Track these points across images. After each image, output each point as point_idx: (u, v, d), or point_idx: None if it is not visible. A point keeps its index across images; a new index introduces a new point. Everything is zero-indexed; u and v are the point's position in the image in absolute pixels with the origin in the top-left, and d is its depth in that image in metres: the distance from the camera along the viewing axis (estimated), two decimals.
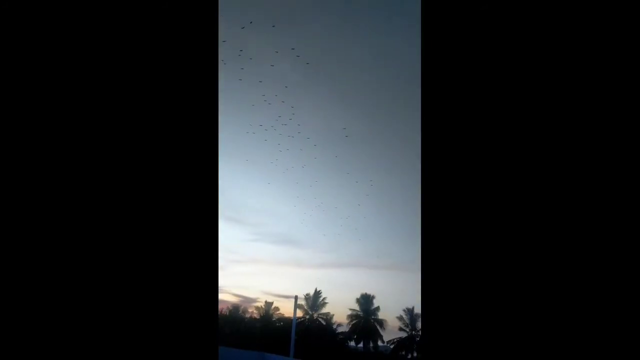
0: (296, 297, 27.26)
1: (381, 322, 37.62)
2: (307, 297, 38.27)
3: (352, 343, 38.15)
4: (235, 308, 39.74)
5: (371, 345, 37.29)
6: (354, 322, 37.80)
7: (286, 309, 42.36)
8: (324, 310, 38.23)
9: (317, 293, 38.36)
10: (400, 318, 37.21)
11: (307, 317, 37.86)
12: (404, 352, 36.59)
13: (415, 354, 36.06)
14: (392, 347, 37.17)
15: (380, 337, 37.41)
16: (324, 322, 37.95)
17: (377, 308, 38.01)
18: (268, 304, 39.68)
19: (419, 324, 36.58)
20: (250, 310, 41.36)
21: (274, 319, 38.76)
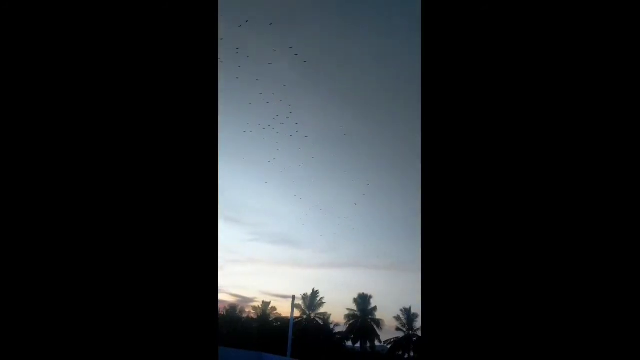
0: (293, 297, 27.30)
1: (378, 322, 37.64)
2: (304, 297, 38.25)
3: (350, 343, 38.15)
4: (232, 308, 39.68)
5: (368, 345, 37.28)
6: (351, 322, 37.80)
7: (283, 309, 42.44)
8: (322, 310, 38.23)
9: (315, 293, 38.34)
10: (397, 318, 37.26)
11: (305, 317, 37.83)
12: (400, 352, 36.61)
13: (412, 354, 36.09)
14: (389, 347, 37.17)
15: (378, 337, 37.43)
16: (321, 322, 37.92)
17: (375, 308, 38.05)
18: (265, 304, 39.65)
19: (416, 324, 36.64)
20: (247, 310, 41.30)
21: (271, 319, 38.71)
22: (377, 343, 37.51)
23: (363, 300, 38.15)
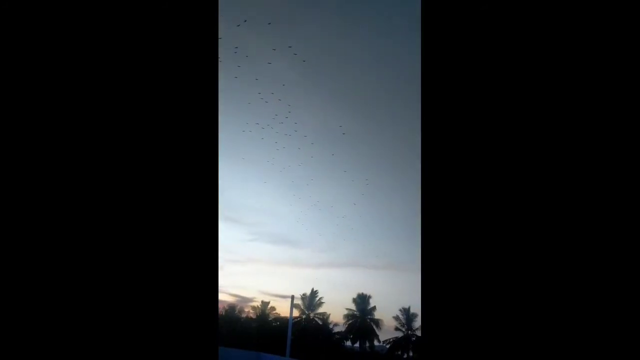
0: (292, 297, 27.29)
1: (377, 322, 37.66)
2: (303, 296, 38.26)
3: (349, 343, 38.16)
4: (231, 308, 39.67)
5: (367, 345, 37.30)
6: (350, 321, 37.82)
7: (283, 309, 42.41)
8: (321, 310, 38.24)
9: (314, 293, 38.35)
10: (396, 318, 37.28)
11: (304, 316, 37.83)
12: (399, 352, 36.64)
13: (411, 354, 36.11)
14: (388, 346, 37.20)
15: (377, 336, 37.46)
16: (320, 322, 37.92)
17: (374, 308, 38.07)
18: (264, 304, 39.66)
19: (414, 324, 36.69)
20: (246, 310, 41.27)
21: (270, 319, 38.71)
22: (376, 343, 37.55)
23: (362, 300, 38.17)
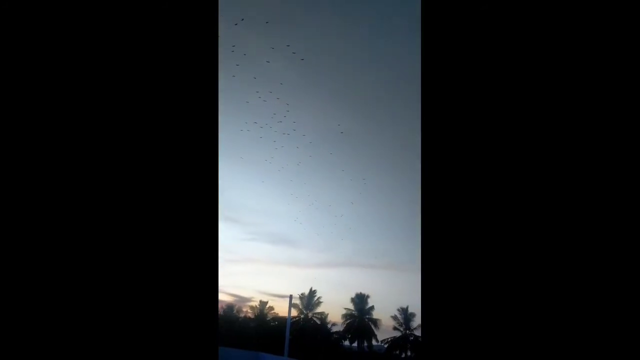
0: (291, 297, 27.26)
1: (375, 322, 37.72)
2: (302, 296, 38.28)
3: (347, 342, 38.20)
4: (229, 307, 39.66)
5: (365, 344, 37.35)
6: (348, 321, 37.86)
7: (281, 309, 42.36)
8: (319, 309, 38.28)
9: (312, 292, 38.38)
10: (394, 317, 37.35)
11: (302, 316, 37.86)
12: (397, 352, 36.70)
13: (409, 353, 36.18)
14: (386, 346, 37.26)
15: (375, 336, 37.53)
16: (318, 322, 37.95)
17: (372, 307, 38.12)
18: (263, 304, 39.67)
19: (412, 323, 36.77)
20: (244, 309, 41.26)
21: (268, 319, 38.72)
22: (374, 342, 37.62)
23: (360, 300, 38.22)
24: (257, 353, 20.68)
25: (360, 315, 37.73)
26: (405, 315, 37.08)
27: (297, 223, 45.73)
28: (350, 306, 38.19)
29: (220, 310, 38.39)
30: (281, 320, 36.06)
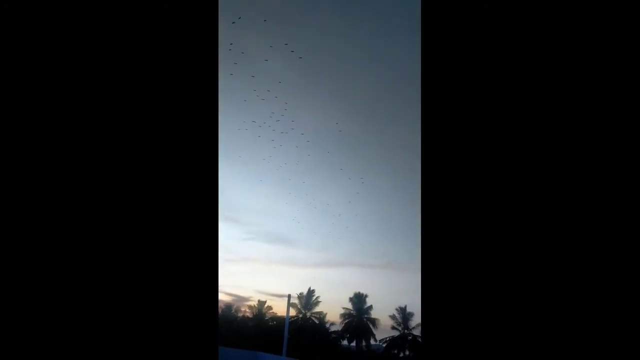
0: (289, 296, 27.29)
1: (374, 321, 37.73)
2: (300, 296, 38.27)
3: (345, 342, 38.21)
4: (227, 307, 39.61)
5: (364, 344, 37.37)
6: (347, 320, 37.85)
7: (279, 308, 42.39)
8: (317, 309, 38.26)
9: (311, 292, 38.37)
10: (392, 317, 37.36)
11: (300, 316, 37.84)
12: (396, 351, 36.72)
13: (407, 353, 36.21)
14: (384, 345, 37.27)
15: (373, 335, 37.53)
16: (317, 321, 37.95)
17: (370, 307, 38.13)
18: (261, 303, 39.62)
19: (411, 323, 36.79)
20: (243, 309, 41.22)
21: (267, 318, 38.69)
22: (372, 342, 37.62)
23: (359, 299, 38.22)
24: (255, 352, 20.67)
25: (359, 315, 37.73)
26: (403, 314, 37.11)
27: (296, 222, 45.76)
28: (349, 306, 38.21)
29: (219, 310, 38.34)
30: (279, 320, 36.04)
